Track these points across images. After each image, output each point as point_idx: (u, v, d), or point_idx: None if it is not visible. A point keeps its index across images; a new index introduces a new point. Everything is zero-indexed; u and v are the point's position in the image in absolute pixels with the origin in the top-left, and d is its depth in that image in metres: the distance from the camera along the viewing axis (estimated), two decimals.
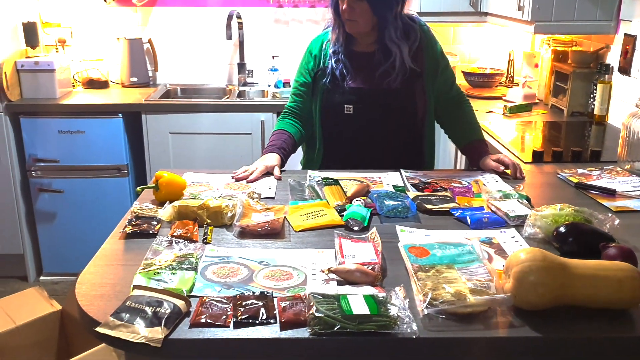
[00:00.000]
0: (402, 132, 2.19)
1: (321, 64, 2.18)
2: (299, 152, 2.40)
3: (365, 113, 2.14)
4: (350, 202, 1.75)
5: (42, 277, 3.66)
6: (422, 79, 2.15)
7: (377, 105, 2.14)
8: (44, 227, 3.55)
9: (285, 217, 1.69)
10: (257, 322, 1.16)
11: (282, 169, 2.12)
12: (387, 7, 2.04)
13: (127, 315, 1.16)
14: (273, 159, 2.10)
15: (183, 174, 2.02)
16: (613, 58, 2.89)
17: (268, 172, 2.07)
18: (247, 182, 1.99)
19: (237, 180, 2.01)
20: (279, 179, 2.02)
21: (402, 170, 2.10)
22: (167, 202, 1.73)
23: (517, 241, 1.55)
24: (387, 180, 2.02)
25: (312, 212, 1.71)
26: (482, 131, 2.29)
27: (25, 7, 3.57)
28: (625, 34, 2.76)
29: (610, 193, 1.91)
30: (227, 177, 2.03)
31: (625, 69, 2.76)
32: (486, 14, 3.43)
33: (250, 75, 4.01)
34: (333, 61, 2.14)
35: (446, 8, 3.42)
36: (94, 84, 3.79)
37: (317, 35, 2.26)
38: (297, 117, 2.25)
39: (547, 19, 2.85)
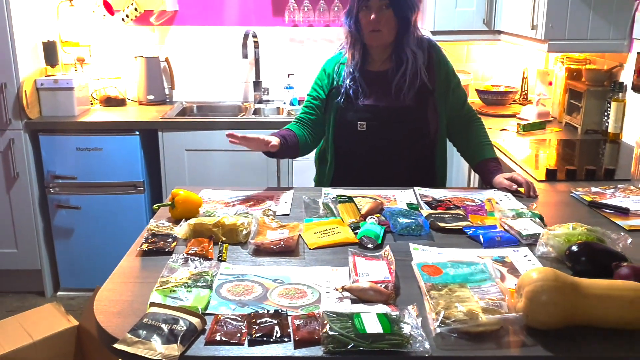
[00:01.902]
0: (413, 149, 2.21)
1: (335, 83, 2.22)
2: (312, 171, 2.42)
3: (378, 130, 2.17)
4: (365, 220, 1.77)
5: (59, 293, 3.71)
6: (434, 97, 2.18)
7: (390, 122, 2.16)
8: (61, 243, 3.60)
9: (300, 234, 1.71)
10: (272, 340, 1.18)
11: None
12: (409, 10, 2.10)
13: (144, 332, 1.18)
14: (271, 137, 2.13)
15: (200, 191, 2.05)
16: (627, 76, 2.90)
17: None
18: (239, 140, 2.03)
19: (230, 135, 2.04)
20: (275, 148, 2.07)
21: (415, 188, 2.11)
22: (183, 219, 1.75)
23: (529, 260, 1.56)
24: (400, 197, 2.03)
25: (326, 230, 1.73)
26: (495, 149, 2.31)
27: (45, 26, 3.65)
28: (638, 53, 2.76)
29: (624, 212, 1.91)
30: (243, 193, 2.06)
31: (638, 87, 2.76)
32: (500, 32, 3.45)
33: (265, 93, 4.05)
34: (348, 81, 2.17)
35: (459, 27, 3.44)
36: (111, 101, 3.85)
37: (332, 55, 2.30)
38: (306, 126, 2.28)
39: (560, 37, 2.86)
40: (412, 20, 2.12)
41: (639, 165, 2.15)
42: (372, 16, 2.08)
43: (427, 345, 1.15)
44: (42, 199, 3.55)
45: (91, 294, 2.87)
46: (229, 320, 1.24)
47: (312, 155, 2.41)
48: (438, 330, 1.20)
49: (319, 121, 2.27)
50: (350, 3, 2.15)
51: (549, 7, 2.82)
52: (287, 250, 1.62)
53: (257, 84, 4.01)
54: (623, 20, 2.83)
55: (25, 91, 3.34)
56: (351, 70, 2.18)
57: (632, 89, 2.83)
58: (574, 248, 1.49)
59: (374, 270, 1.44)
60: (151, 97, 3.89)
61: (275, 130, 2.24)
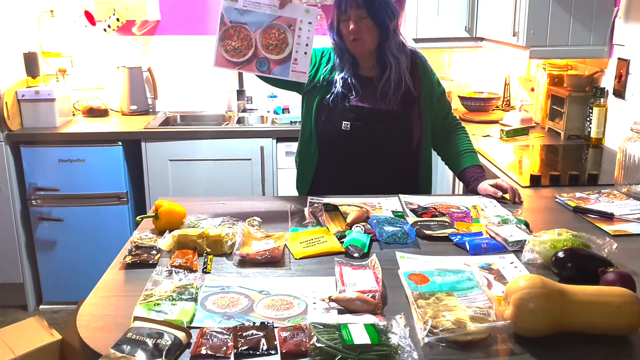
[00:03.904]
0: (396, 153, 2.21)
1: (316, 79, 2.21)
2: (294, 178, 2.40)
3: (362, 131, 2.16)
4: (350, 229, 1.76)
5: (42, 306, 3.65)
6: (419, 104, 2.19)
7: (373, 124, 2.16)
8: (43, 255, 3.55)
9: (285, 244, 1.69)
10: (258, 353, 1.16)
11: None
12: (387, 17, 2.10)
13: (128, 347, 1.16)
14: None
15: (184, 201, 2.02)
16: (608, 81, 2.92)
17: None
18: None
19: None
20: None
21: (400, 196, 2.11)
22: (167, 231, 1.73)
23: (516, 267, 1.56)
24: (386, 205, 2.02)
25: (312, 239, 1.72)
26: (479, 156, 2.31)
27: (26, 37, 3.61)
28: (618, 58, 2.79)
29: (608, 217, 1.91)
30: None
31: (619, 92, 2.79)
32: (481, 39, 3.47)
33: (249, 101, 4.04)
34: (339, 83, 2.17)
35: (442, 34, 3.46)
36: (94, 112, 3.82)
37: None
38: None
39: (541, 44, 2.88)
40: (392, 27, 2.14)
41: (622, 170, 2.16)
42: (352, 26, 2.09)
43: (415, 356, 1.14)
44: (24, 211, 3.50)
45: (74, 307, 2.84)
46: (214, 333, 1.22)
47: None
48: (426, 339, 1.19)
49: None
50: (332, 16, 2.18)
51: (530, 13, 2.85)
52: (273, 260, 1.60)
53: (240, 93, 4.00)
54: (603, 26, 2.86)
55: (6, 103, 3.30)
56: (344, 76, 2.18)
57: (613, 94, 2.85)
58: (560, 254, 1.49)
59: (361, 280, 1.43)
60: (134, 107, 3.86)
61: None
